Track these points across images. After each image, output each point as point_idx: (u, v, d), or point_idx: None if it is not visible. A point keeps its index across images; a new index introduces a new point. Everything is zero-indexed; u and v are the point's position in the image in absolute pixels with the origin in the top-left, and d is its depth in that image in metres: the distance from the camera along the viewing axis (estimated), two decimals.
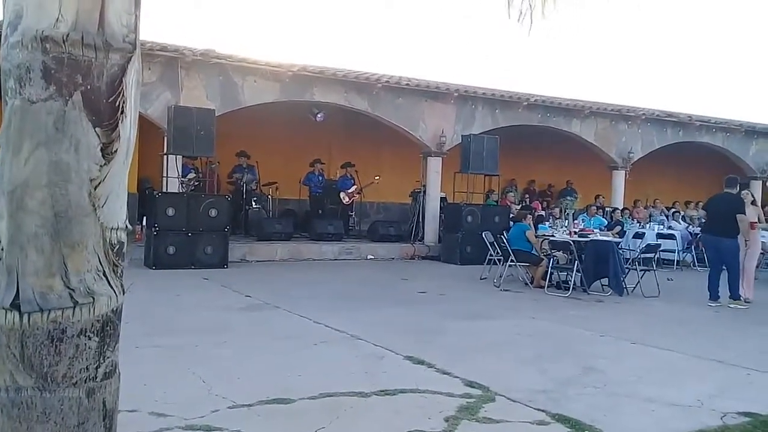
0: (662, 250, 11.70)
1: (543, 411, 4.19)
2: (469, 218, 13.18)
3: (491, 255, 10.70)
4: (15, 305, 1.89)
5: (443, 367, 5.11)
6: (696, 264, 14.11)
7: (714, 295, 9.00)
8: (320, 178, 14.91)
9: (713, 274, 9.14)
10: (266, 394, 4.22)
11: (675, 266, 13.59)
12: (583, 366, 5.42)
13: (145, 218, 11.04)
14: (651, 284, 9.59)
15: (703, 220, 9.60)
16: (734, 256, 8.90)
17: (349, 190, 14.80)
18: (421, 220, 14.50)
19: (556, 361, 5.60)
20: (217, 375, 4.68)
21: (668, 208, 17.65)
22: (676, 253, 13.88)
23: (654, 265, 10.17)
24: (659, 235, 13.94)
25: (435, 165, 14.52)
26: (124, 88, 1.93)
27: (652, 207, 17.68)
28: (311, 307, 7.48)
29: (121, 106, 1.93)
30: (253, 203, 13.91)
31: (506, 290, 9.73)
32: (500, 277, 10.17)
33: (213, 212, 10.76)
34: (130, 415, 3.59)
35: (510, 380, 4.86)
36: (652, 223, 15.46)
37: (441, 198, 14.72)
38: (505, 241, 10.26)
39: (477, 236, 11.80)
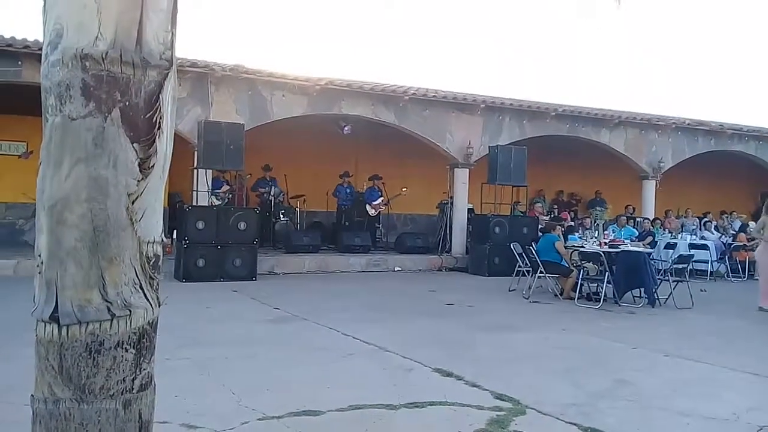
0: (695, 261, 11.51)
1: (575, 425, 4.13)
2: (497, 229, 13.11)
3: (520, 266, 10.62)
4: (54, 318, 1.92)
5: (472, 379, 5.08)
6: (730, 275, 13.84)
7: None
8: (348, 190, 14.98)
9: None
10: (295, 406, 4.23)
11: (708, 277, 13.35)
12: (616, 379, 5.34)
13: (175, 232, 11.19)
14: (684, 295, 9.43)
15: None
16: None
17: (376, 202, 14.83)
18: (448, 231, 14.46)
19: (588, 373, 5.53)
20: (246, 387, 4.71)
21: (700, 218, 17.36)
22: (710, 264, 13.63)
23: (687, 276, 10.00)
24: (692, 246, 13.72)
25: (462, 176, 14.49)
26: (160, 104, 1.97)
27: (684, 217, 17.39)
28: (339, 320, 7.49)
29: (158, 122, 1.96)
30: (281, 216, 14.03)
31: (535, 302, 9.64)
32: (529, 288, 10.08)
33: (242, 225, 10.87)
34: (162, 427, 3.62)
35: (541, 393, 4.81)
36: (684, 233, 15.20)
37: (468, 209, 14.67)
38: (533, 252, 10.17)
39: (505, 247, 11.72)
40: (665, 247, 13.59)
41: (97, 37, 1.88)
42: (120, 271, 1.94)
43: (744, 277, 13.81)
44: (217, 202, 12.31)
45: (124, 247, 1.94)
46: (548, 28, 45.42)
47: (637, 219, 15.48)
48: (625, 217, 14.62)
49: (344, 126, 14.42)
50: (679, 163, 16.99)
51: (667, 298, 9.43)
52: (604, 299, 9.50)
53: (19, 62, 10.59)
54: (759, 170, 18.76)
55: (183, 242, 10.60)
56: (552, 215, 16.04)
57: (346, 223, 14.83)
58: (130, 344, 1.97)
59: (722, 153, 17.70)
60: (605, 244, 10.37)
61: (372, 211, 14.85)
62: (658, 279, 9.81)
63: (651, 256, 10.56)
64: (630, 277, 9.59)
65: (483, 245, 13.15)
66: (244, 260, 10.88)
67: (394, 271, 13.18)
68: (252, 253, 11.02)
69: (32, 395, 2.01)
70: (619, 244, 10.43)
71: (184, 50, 11.44)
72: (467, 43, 46.32)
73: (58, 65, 1.91)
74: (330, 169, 14.96)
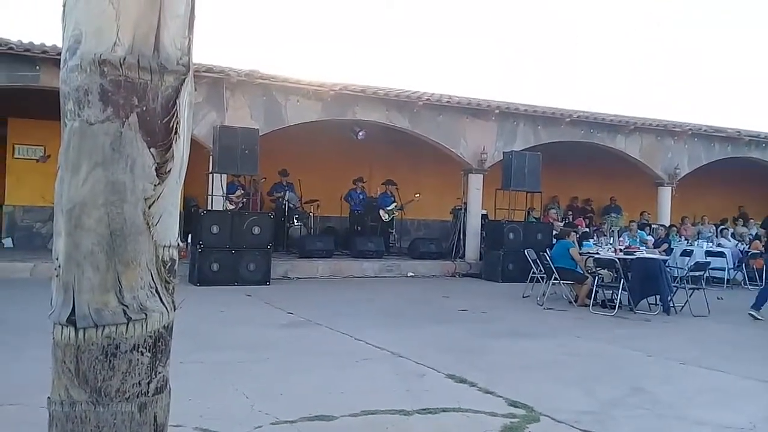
0: (711, 268, 11.39)
1: None
2: (511, 235, 13.05)
3: (534, 273, 10.56)
4: (71, 321, 1.94)
5: (486, 386, 5.05)
6: (747, 282, 13.69)
7: None
8: (361, 196, 15.00)
9: None
10: (309, 411, 4.24)
11: (725, 285, 13.21)
12: (631, 387, 5.30)
13: (190, 236, 11.26)
14: (700, 303, 9.33)
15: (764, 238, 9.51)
16: None
17: (389, 208, 14.84)
18: (462, 237, 14.42)
19: (603, 381, 5.49)
20: (260, 391, 4.72)
21: (717, 225, 17.18)
22: (726, 272, 13.49)
23: (703, 284, 9.91)
24: (708, 253, 13.58)
25: (476, 182, 14.46)
26: (177, 109, 1.98)
27: (701, 224, 17.23)
28: (352, 324, 7.49)
29: (174, 127, 1.98)
30: (295, 221, 14.07)
31: (550, 309, 9.58)
32: (543, 295, 10.02)
33: (256, 229, 10.91)
34: (176, 431, 3.63)
35: (555, 400, 4.77)
36: (700, 241, 15.06)
37: (482, 215, 14.63)
38: (548, 258, 10.11)
39: (519, 254, 11.68)
40: (681, 255, 13.47)
41: (115, 43, 1.90)
42: (136, 275, 1.96)
43: (761, 285, 13.64)
44: (230, 207, 12.38)
45: (141, 251, 1.96)
46: (563, 32, 45.31)
47: (653, 225, 15.35)
48: (636, 224, 14.50)
49: (358, 131, 14.44)
50: (695, 170, 16.85)
51: (683, 306, 9.35)
52: (619, 306, 9.42)
53: (37, 67, 10.71)
54: None
55: (198, 246, 10.66)
56: (566, 222, 15.95)
57: (360, 228, 14.85)
58: (145, 347, 1.98)
59: (739, 160, 17.54)
60: (620, 250, 10.30)
61: (385, 216, 14.85)
62: (674, 286, 9.73)
63: (667, 264, 10.47)
64: (645, 285, 9.50)
65: (497, 251, 13.10)
66: (258, 265, 10.92)
67: (407, 276, 13.15)
68: (266, 258, 11.06)
69: (49, 397, 2.02)
70: (635, 251, 10.35)
71: (200, 56, 11.55)
72: (481, 49, 46.32)
73: (76, 70, 1.93)
74: (344, 175, 14.99)
